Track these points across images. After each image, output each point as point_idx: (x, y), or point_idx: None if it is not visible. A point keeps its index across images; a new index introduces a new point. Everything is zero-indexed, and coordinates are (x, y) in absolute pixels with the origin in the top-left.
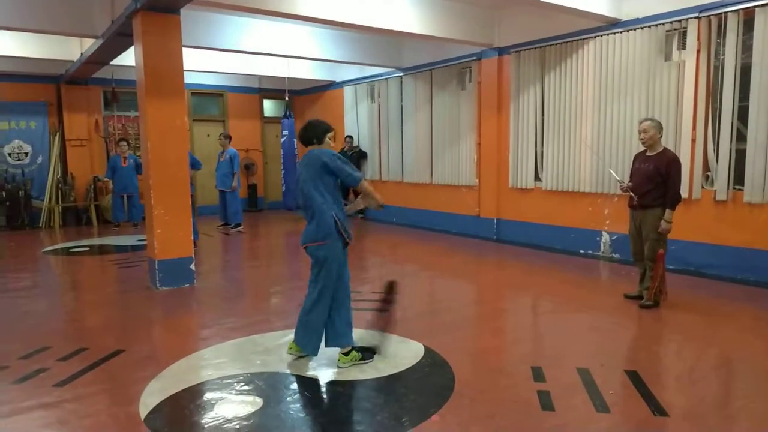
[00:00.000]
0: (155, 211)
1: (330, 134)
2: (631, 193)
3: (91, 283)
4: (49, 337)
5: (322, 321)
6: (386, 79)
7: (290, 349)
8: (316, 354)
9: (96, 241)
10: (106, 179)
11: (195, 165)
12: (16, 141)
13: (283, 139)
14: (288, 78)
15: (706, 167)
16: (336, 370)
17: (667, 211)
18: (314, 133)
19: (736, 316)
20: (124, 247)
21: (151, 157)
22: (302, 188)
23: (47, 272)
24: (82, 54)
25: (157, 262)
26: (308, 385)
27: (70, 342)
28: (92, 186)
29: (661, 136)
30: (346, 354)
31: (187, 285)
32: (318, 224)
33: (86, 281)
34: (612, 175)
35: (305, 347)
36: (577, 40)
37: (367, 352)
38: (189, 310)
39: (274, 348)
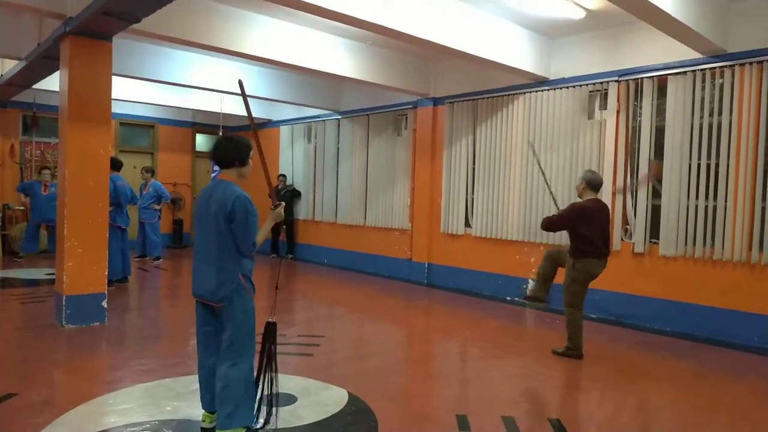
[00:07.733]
0: (68, 243)
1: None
2: None
3: None
4: None
5: None
6: (324, 120)
7: None
8: None
9: None
10: (25, 198)
11: (134, 199)
12: None
13: (213, 174)
14: (222, 113)
15: (626, 221)
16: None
17: None
18: (238, 152)
19: (653, 365)
20: (30, 281)
21: (68, 186)
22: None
23: None
24: (2, 75)
25: (64, 297)
26: None
27: None
28: (2, 214)
29: (587, 188)
30: None
31: (98, 323)
32: None
33: None
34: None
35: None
36: (508, 94)
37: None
38: (97, 350)
39: (187, 393)
